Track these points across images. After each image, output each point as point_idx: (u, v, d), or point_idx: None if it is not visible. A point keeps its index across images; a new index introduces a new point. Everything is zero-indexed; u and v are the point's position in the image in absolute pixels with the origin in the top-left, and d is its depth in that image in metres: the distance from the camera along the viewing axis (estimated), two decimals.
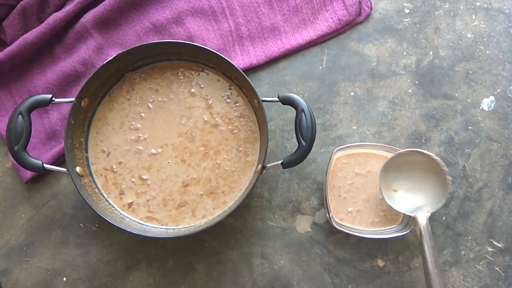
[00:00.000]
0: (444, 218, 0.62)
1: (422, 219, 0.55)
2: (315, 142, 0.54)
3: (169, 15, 0.65)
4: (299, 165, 0.54)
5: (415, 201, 0.58)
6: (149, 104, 0.61)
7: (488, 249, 0.62)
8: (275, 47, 0.65)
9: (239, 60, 0.65)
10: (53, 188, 0.63)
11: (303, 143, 0.53)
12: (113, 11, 0.64)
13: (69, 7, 0.63)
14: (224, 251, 0.62)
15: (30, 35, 0.62)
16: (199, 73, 0.62)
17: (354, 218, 0.60)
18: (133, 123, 0.61)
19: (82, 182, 0.57)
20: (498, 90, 0.65)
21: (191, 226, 0.59)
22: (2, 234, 0.62)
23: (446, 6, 0.67)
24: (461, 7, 0.67)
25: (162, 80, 0.62)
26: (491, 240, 0.62)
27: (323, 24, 0.65)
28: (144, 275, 0.62)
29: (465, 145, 0.64)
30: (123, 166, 0.60)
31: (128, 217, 0.59)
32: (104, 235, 0.62)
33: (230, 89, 0.62)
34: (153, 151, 0.60)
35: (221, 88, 0.62)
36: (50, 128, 0.64)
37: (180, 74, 0.62)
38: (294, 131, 0.56)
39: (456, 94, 0.65)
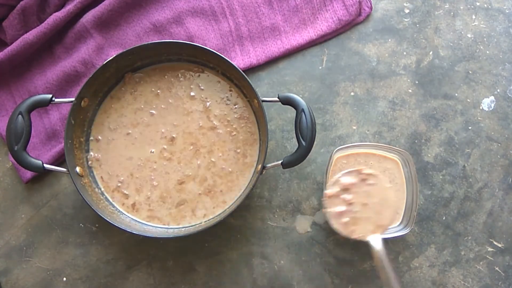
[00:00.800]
0: (444, 218, 0.62)
1: (377, 243, 0.52)
2: (315, 142, 0.54)
3: (169, 15, 0.65)
4: (299, 165, 0.54)
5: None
6: (148, 108, 0.61)
7: (488, 249, 0.62)
8: (275, 47, 0.65)
9: (239, 60, 0.65)
10: (53, 188, 0.63)
11: (303, 143, 0.53)
12: (113, 11, 0.63)
13: (69, 7, 0.63)
14: (224, 251, 0.62)
15: (30, 35, 0.62)
16: (199, 75, 0.62)
17: None
18: (129, 125, 0.61)
19: (82, 182, 0.57)
20: (498, 90, 0.65)
21: (192, 226, 0.59)
22: (2, 234, 0.62)
23: (446, 6, 0.67)
24: (461, 7, 0.67)
25: (163, 83, 0.62)
26: (491, 240, 0.62)
27: (323, 24, 0.65)
28: (144, 275, 0.62)
29: (465, 145, 0.64)
30: (122, 166, 0.60)
31: (130, 217, 0.59)
32: (104, 235, 0.62)
33: (230, 90, 0.62)
34: (148, 150, 0.61)
35: (221, 90, 0.62)
36: (50, 128, 0.64)
37: (180, 75, 0.62)
38: (294, 131, 0.56)
39: (456, 94, 0.65)
